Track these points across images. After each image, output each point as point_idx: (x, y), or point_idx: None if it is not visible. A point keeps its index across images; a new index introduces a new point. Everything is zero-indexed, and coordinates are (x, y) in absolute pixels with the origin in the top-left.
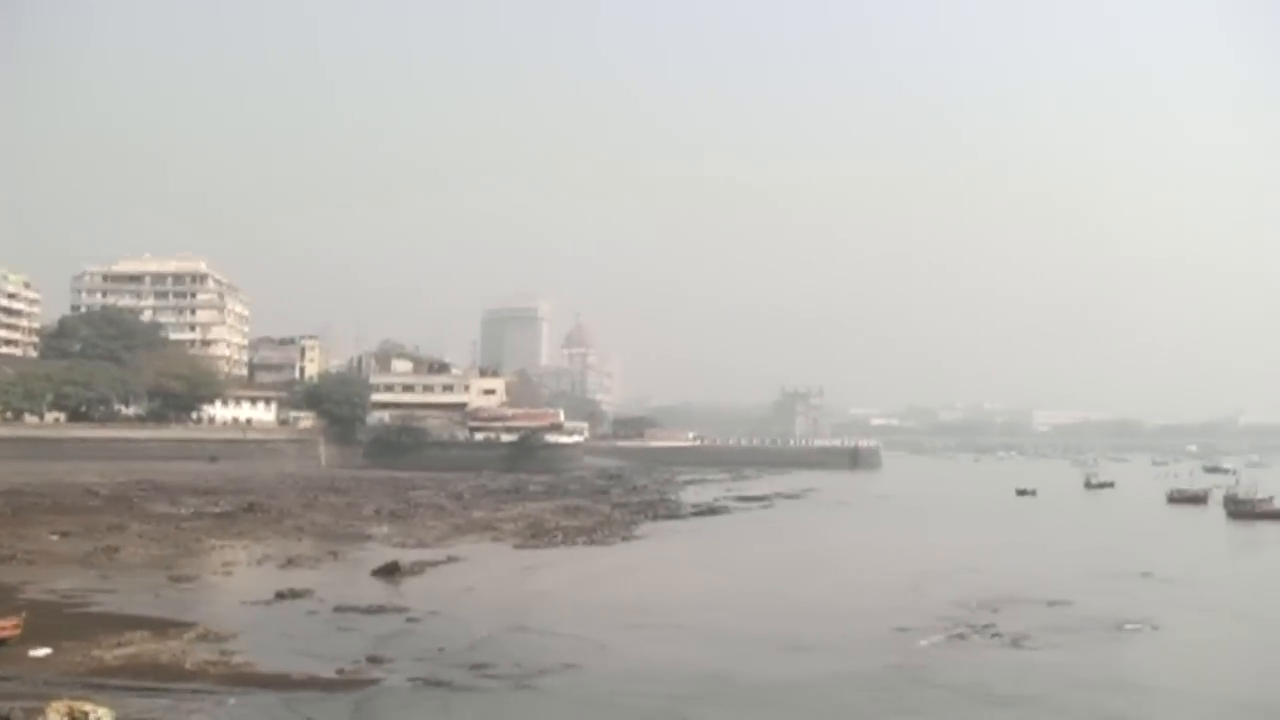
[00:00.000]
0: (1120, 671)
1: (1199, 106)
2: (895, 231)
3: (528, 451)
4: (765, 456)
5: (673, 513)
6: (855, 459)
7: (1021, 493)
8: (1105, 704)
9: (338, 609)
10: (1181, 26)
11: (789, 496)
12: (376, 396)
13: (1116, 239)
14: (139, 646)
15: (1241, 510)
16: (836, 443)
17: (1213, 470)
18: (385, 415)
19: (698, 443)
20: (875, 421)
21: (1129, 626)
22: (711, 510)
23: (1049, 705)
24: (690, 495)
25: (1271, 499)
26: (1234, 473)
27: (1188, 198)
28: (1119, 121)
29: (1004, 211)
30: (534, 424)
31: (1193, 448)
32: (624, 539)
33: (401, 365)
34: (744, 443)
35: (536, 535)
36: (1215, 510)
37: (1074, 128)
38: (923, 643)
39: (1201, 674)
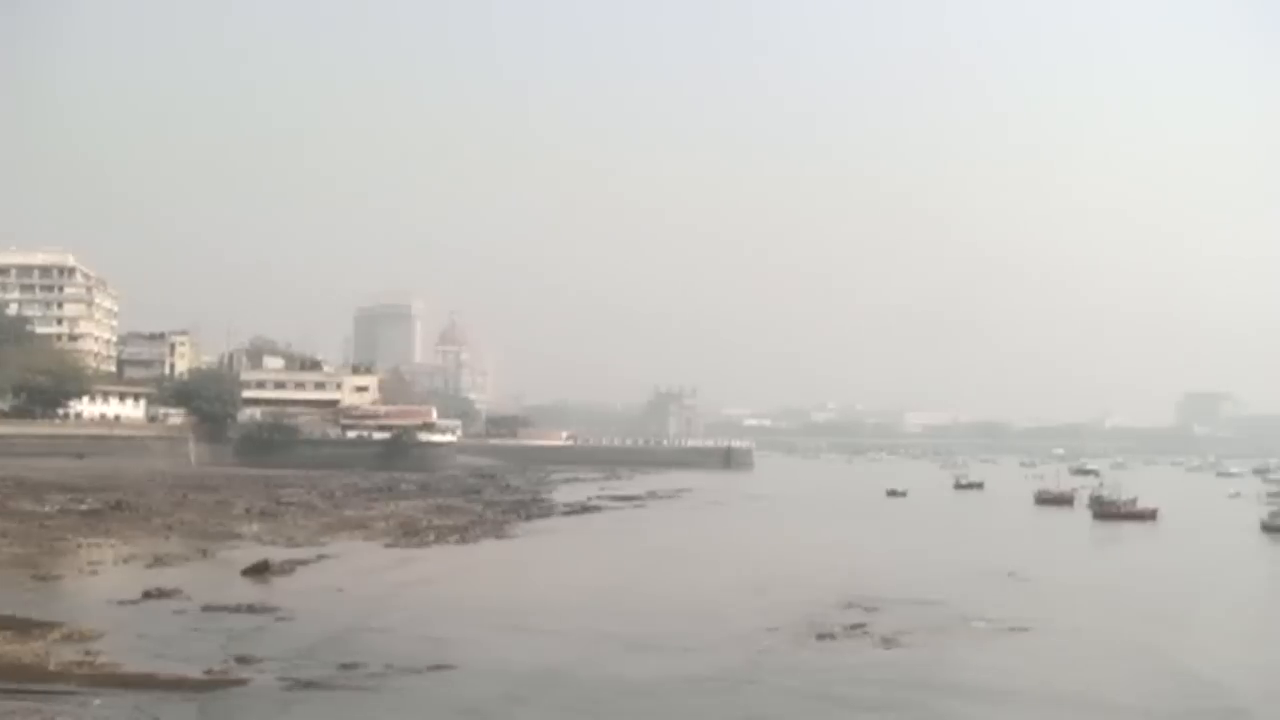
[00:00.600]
0: (980, 671)
1: (1057, 107)
2: (769, 232)
3: (400, 450)
4: (639, 456)
5: (546, 512)
6: (728, 459)
7: (892, 493)
8: (950, 705)
9: (206, 608)
10: (1019, 27)
11: (662, 496)
12: (248, 394)
13: (984, 242)
14: (0, 648)
15: (1106, 511)
16: (709, 443)
17: (1079, 472)
18: (256, 413)
19: (571, 442)
20: (748, 422)
21: (996, 625)
22: (584, 509)
23: (896, 707)
24: (563, 494)
25: (1135, 500)
26: (1099, 474)
27: (1054, 201)
28: (980, 122)
29: (873, 213)
30: (406, 422)
31: (1060, 450)
32: (496, 538)
33: (273, 362)
34: (618, 442)
35: (408, 534)
36: (1081, 511)
37: (939, 128)
38: (766, 641)
39: (1062, 673)
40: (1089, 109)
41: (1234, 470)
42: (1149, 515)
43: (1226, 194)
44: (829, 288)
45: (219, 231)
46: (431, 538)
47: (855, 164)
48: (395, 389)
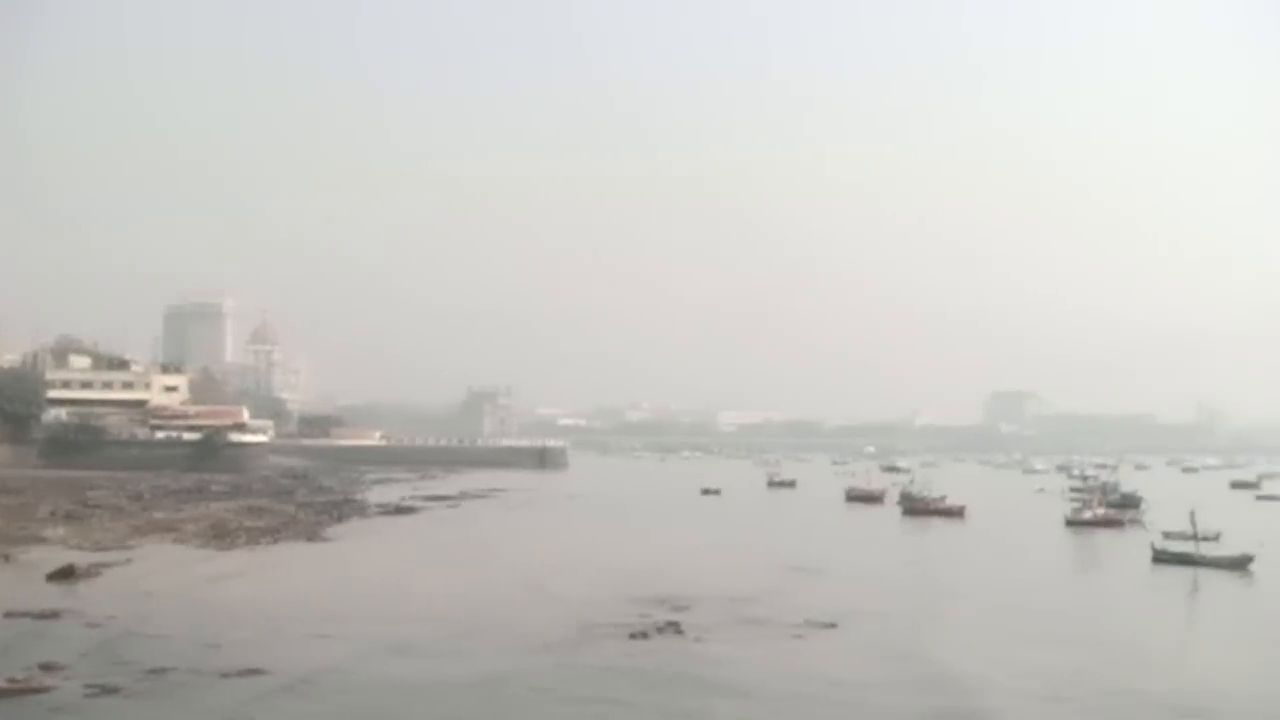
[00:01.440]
0: (784, 669)
1: (864, 109)
2: (583, 230)
3: (211, 450)
4: (453, 456)
5: (359, 512)
6: (543, 459)
7: (706, 492)
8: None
9: (9, 614)
10: (827, 26)
11: (477, 496)
12: (53, 393)
13: (797, 242)
14: None
15: (915, 508)
16: (524, 442)
17: (889, 469)
18: (62, 413)
19: (385, 442)
20: (563, 421)
21: (805, 622)
22: (399, 510)
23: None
24: (377, 495)
25: (943, 497)
26: (909, 472)
27: (865, 205)
28: (792, 123)
29: (687, 212)
30: (217, 422)
31: (871, 448)
32: (309, 540)
33: (80, 361)
34: (432, 442)
35: (219, 536)
36: (891, 508)
37: (752, 127)
38: (578, 641)
39: (861, 671)
40: (897, 116)
41: (1039, 468)
42: (957, 512)
43: (1033, 198)
44: (643, 287)
45: (26, 227)
46: (243, 540)
47: (668, 162)
48: (206, 389)
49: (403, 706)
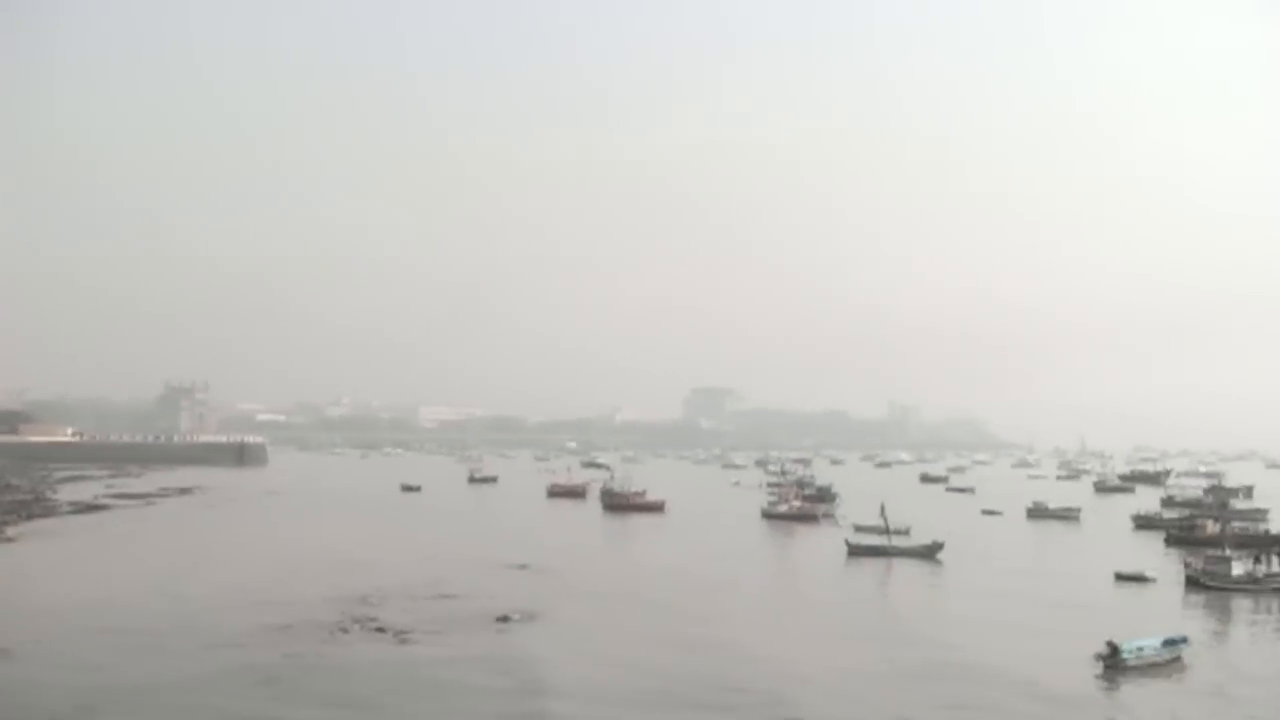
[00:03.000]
0: (489, 663)
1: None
2: (280, 222)
3: None
4: (149, 453)
5: (49, 511)
6: (241, 455)
7: (407, 488)
8: (454, 700)
9: None
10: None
11: (174, 494)
12: None
13: (500, 237)
14: None
15: (616, 502)
16: (222, 439)
17: (591, 465)
18: None
19: (77, 438)
20: (262, 417)
21: (508, 617)
22: (92, 508)
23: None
24: (69, 493)
25: (644, 492)
26: (610, 467)
27: (571, 198)
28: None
29: (390, 208)
30: None
31: (572, 444)
32: None
33: None
34: (127, 438)
35: None
36: (593, 503)
37: (457, 118)
38: (280, 639)
39: (562, 662)
40: (592, 105)
41: (738, 462)
42: (658, 506)
43: (727, 200)
44: (343, 280)
45: None
46: None
47: (374, 145)
48: None
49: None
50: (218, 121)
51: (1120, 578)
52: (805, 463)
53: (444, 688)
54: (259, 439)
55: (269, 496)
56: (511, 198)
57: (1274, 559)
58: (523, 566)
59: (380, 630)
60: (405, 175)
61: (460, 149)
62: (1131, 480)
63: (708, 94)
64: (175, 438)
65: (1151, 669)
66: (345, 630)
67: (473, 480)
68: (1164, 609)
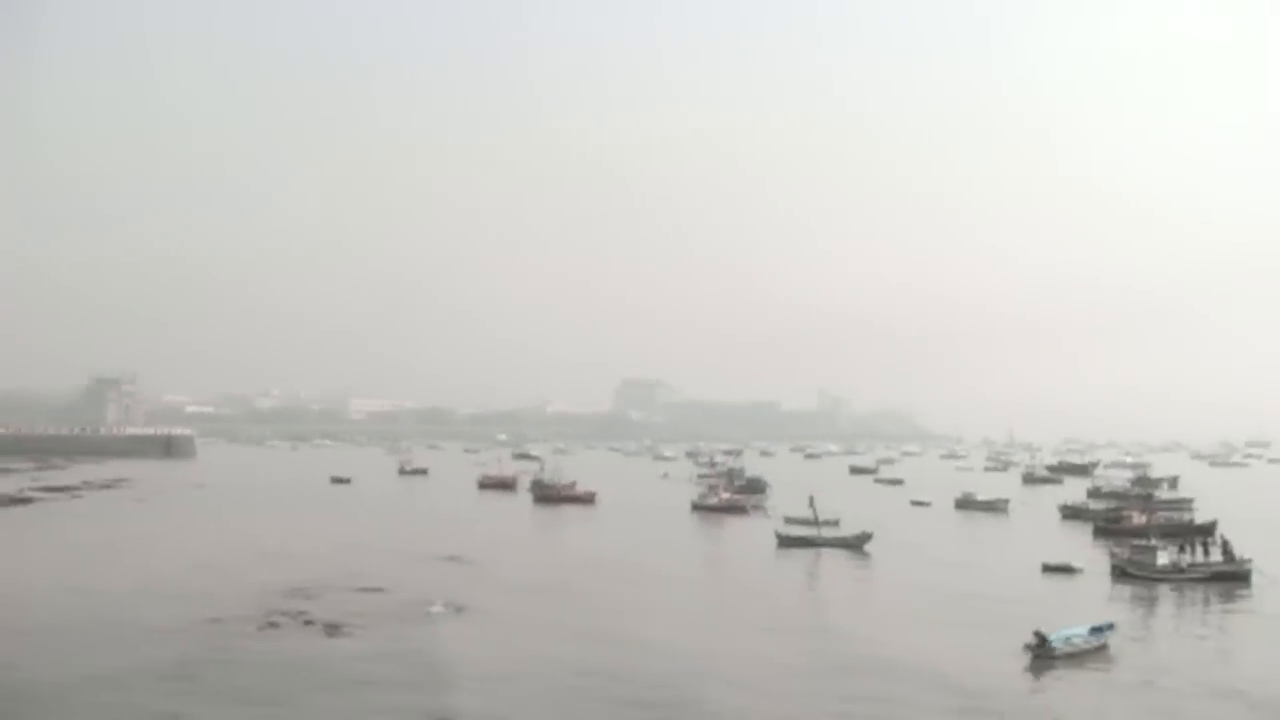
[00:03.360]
0: (418, 657)
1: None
2: (220, 205)
3: None
4: (75, 445)
5: None
6: (169, 447)
7: (337, 480)
8: (380, 696)
9: None
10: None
11: (101, 486)
12: None
13: (429, 227)
14: None
15: (547, 494)
16: (150, 431)
17: (521, 457)
18: None
19: (0, 430)
20: (190, 409)
21: (438, 610)
22: (15, 501)
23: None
24: None
25: (574, 484)
26: (540, 460)
27: (487, 197)
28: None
29: (331, 192)
30: None
31: (503, 436)
32: None
33: None
34: (52, 430)
35: None
36: (524, 495)
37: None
38: (208, 633)
39: (490, 654)
40: (529, 99)
41: (668, 454)
42: (588, 498)
43: (657, 196)
44: (275, 272)
45: None
46: None
47: (296, 135)
48: None
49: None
50: (150, 109)
51: (1047, 568)
52: (735, 454)
53: (363, 682)
54: (187, 431)
55: (197, 489)
56: (446, 189)
57: (1198, 548)
58: (453, 558)
59: (309, 623)
60: (341, 165)
61: (397, 139)
62: (1059, 472)
63: (641, 88)
64: (102, 430)
65: (1079, 658)
66: (275, 624)
67: (403, 472)
68: (1091, 599)
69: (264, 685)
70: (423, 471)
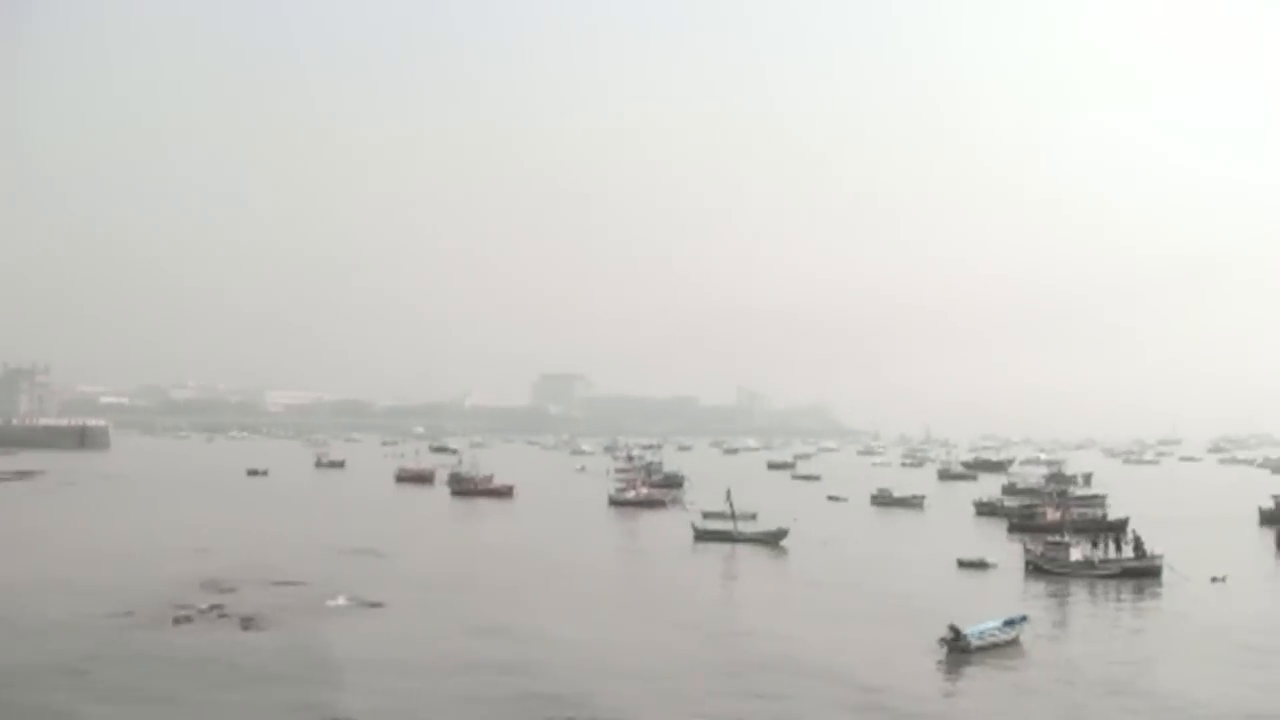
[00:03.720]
0: (330, 651)
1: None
2: (144, 190)
3: None
4: None
5: None
6: (83, 439)
7: (253, 473)
8: (283, 691)
9: None
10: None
11: (12, 478)
12: None
13: (350, 219)
14: None
15: (464, 488)
16: (64, 422)
17: (439, 450)
18: None
19: None
20: (105, 400)
21: (353, 604)
22: None
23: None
24: None
25: (491, 477)
26: (459, 453)
27: (414, 186)
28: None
29: (254, 181)
30: None
31: (420, 429)
32: None
33: None
34: None
35: None
36: (441, 488)
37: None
38: (120, 625)
39: (407, 649)
40: (458, 92)
41: (586, 449)
42: (505, 492)
43: (602, 183)
44: (192, 262)
45: None
46: None
47: (239, 124)
48: None
49: None
50: (80, 88)
51: (962, 564)
52: (654, 449)
53: (262, 678)
54: (101, 422)
55: (111, 481)
56: (370, 182)
57: (1111, 544)
58: (366, 551)
59: (223, 617)
60: (266, 152)
61: (321, 128)
62: (974, 468)
63: (566, 81)
64: (14, 421)
65: (993, 651)
66: (186, 619)
67: (320, 465)
68: (1005, 594)
69: (163, 681)
70: (340, 464)
